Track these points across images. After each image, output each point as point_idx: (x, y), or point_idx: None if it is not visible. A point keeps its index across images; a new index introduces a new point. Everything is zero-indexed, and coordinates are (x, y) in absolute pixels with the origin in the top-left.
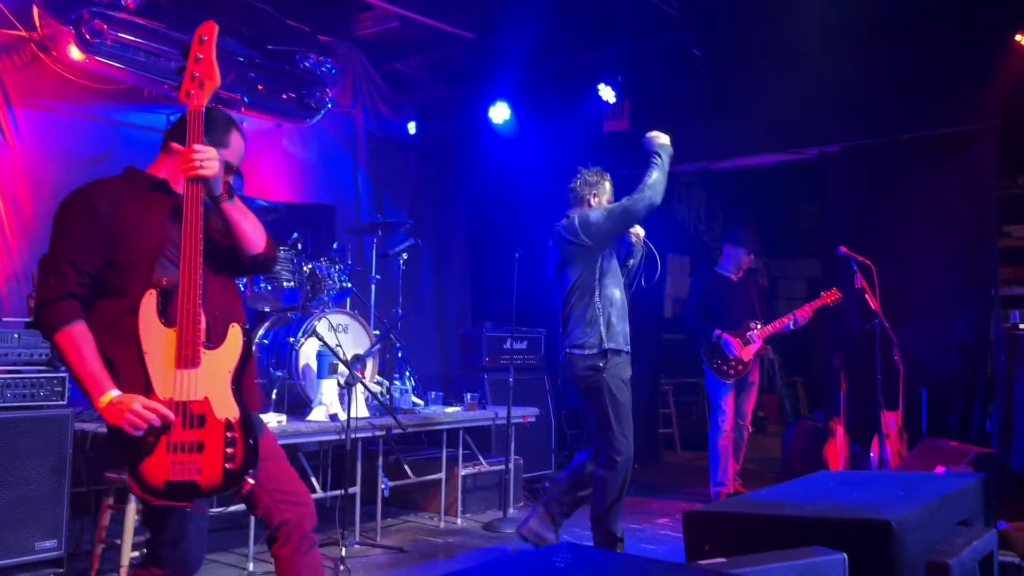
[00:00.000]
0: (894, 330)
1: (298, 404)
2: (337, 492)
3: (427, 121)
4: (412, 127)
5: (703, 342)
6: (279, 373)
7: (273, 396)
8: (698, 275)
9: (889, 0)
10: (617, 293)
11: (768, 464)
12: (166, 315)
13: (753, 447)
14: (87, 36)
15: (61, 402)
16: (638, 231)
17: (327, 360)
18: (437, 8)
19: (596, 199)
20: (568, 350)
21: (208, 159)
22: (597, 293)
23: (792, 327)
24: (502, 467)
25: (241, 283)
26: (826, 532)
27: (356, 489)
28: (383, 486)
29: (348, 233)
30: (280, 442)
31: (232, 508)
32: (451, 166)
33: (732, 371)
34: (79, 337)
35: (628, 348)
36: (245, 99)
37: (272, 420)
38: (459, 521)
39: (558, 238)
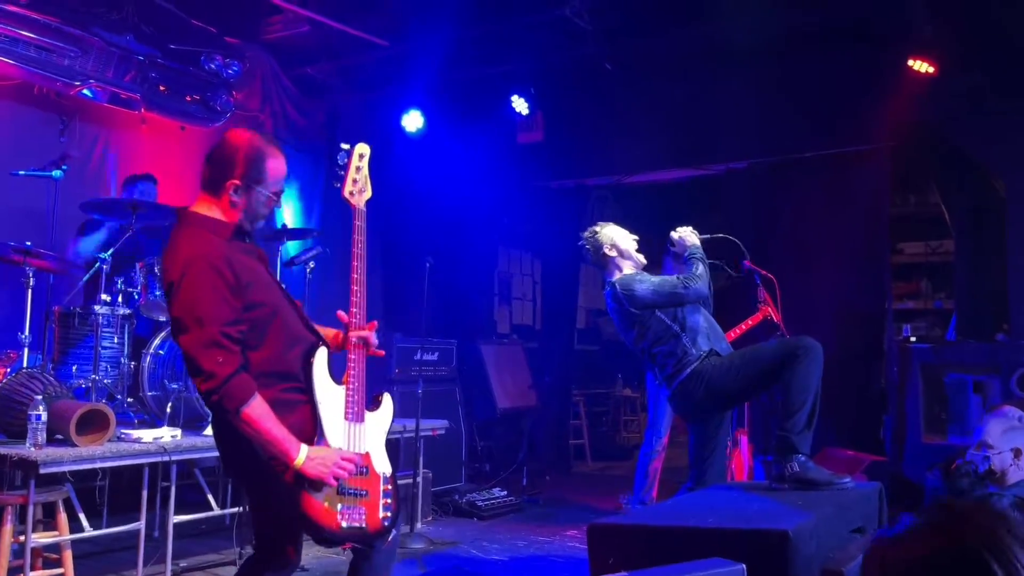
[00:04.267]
0: None
1: (194, 418)
2: (235, 509)
3: (339, 127)
4: (323, 133)
5: None
6: (174, 386)
7: (168, 409)
8: None
9: (793, 24)
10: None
11: (675, 474)
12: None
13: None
14: None
15: None
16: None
17: None
18: (349, 14)
19: (616, 254)
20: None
21: None
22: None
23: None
24: (410, 481)
25: (135, 291)
26: (726, 543)
27: None
28: None
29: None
30: (175, 457)
31: (122, 528)
32: None
33: None
34: (263, 406)
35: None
36: (145, 99)
37: (167, 435)
38: None
39: (608, 305)
